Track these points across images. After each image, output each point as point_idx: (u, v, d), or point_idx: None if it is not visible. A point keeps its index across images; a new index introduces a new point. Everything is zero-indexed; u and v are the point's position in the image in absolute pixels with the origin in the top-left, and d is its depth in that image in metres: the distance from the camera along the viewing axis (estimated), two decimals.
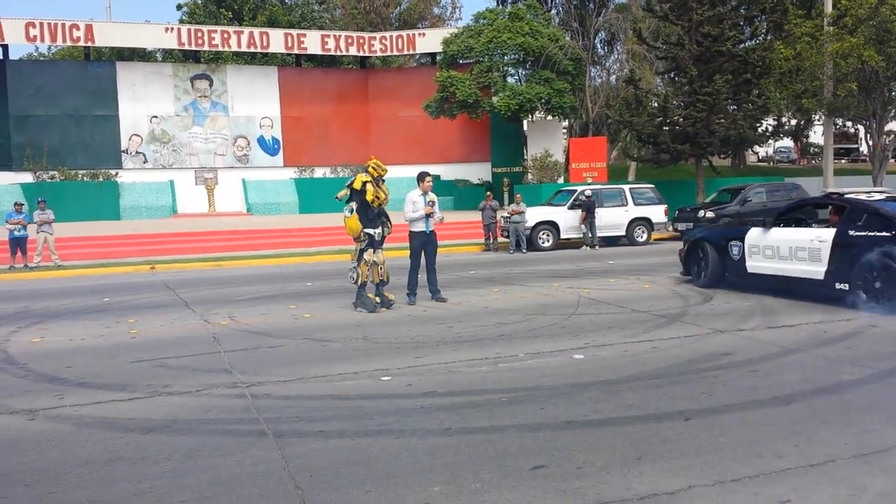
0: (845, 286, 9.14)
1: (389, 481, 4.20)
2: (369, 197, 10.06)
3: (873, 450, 4.46)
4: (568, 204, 20.76)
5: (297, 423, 5.32)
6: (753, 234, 10.53)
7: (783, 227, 10.30)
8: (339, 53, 37.67)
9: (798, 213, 10.71)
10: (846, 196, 9.92)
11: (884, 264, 8.67)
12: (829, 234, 9.46)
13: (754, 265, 10.43)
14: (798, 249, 9.79)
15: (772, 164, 51.63)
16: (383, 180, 10.36)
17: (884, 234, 8.83)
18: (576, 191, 21.39)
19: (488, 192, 23.88)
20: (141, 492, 4.17)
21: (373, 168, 10.20)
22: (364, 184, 10.04)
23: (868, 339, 7.52)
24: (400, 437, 4.92)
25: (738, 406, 5.37)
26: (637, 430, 4.91)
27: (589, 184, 23.68)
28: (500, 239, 20.40)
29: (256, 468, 4.45)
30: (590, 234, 20.17)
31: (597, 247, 20.00)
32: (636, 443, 4.68)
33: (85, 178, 31.30)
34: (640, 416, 5.20)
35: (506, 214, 20.34)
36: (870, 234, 8.99)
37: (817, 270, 9.46)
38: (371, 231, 10.23)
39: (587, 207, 20.15)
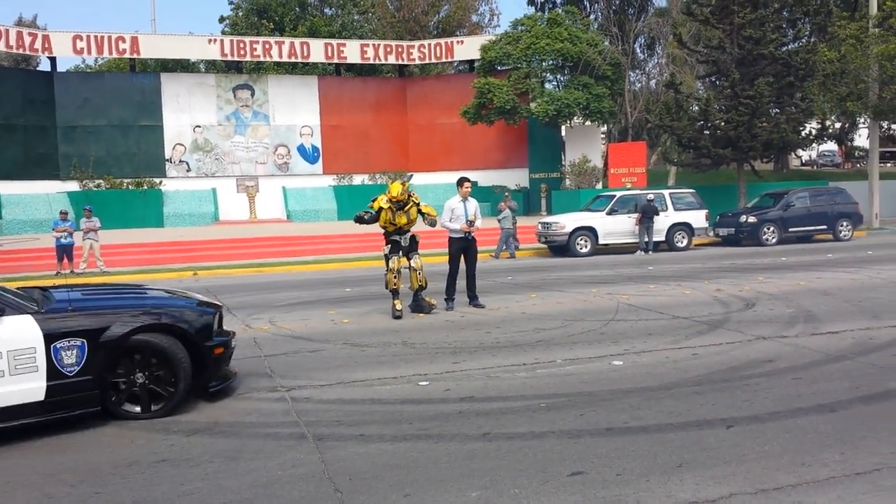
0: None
1: (428, 486, 4.22)
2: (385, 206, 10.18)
3: None
4: (606, 209, 20.62)
5: (337, 426, 5.36)
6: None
7: None
8: (378, 62, 37.88)
9: None
10: None
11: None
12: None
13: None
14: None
15: (816, 168, 50.68)
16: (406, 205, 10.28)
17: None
18: (614, 196, 21.23)
19: (506, 194, 23.85)
20: (184, 493, 4.24)
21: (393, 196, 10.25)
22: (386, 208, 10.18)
23: None
24: (439, 442, 4.94)
25: (781, 414, 5.29)
26: (678, 438, 4.86)
27: (627, 189, 23.48)
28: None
29: (297, 471, 4.50)
30: (645, 239, 19.96)
31: (650, 252, 19.76)
32: (677, 450, 4.63)
33: (130, 187, 31.87)
34: (681, 424, 5.15)
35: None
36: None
37: None
38: (398, 237, 10.31)
39: (645, 211, 19.93)
